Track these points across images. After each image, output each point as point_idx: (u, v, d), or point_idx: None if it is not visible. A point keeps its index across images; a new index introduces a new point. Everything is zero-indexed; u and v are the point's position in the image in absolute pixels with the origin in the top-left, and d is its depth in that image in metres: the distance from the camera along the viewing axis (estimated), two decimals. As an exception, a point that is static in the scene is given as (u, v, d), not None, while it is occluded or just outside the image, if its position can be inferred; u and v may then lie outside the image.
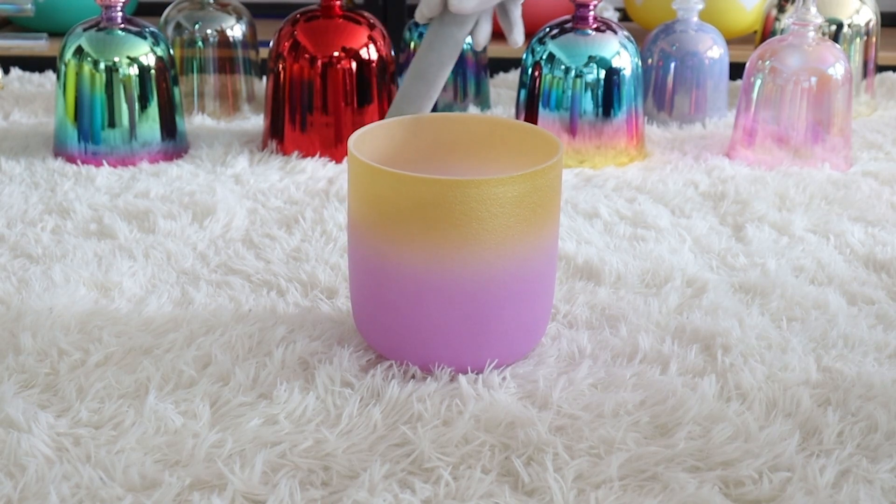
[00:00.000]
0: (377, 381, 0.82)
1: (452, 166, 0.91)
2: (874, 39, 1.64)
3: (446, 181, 0.77)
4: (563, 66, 1.35)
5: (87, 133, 1.33)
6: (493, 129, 0.91)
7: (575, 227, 1.14)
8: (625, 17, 2.02)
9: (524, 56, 1.40)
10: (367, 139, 0.87)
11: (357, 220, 0.83)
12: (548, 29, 1.39)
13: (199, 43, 1.57)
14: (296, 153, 1.37)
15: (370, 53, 1.37)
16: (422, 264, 0.79)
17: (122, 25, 1.34)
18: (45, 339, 0.87)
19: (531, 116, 1.38)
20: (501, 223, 0.78)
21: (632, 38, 1.39)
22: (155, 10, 1.85)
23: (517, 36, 0.85)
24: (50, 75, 1.79)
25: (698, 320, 0.92)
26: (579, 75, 1.35)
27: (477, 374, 0.83)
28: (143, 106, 1.34)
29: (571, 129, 1.36)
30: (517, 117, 1.42)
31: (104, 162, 1.32)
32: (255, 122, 1.55)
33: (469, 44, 1.56)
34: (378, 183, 0.79)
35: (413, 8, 2.06)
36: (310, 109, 1.37)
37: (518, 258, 0.80)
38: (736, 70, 1.62)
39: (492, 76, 1.79)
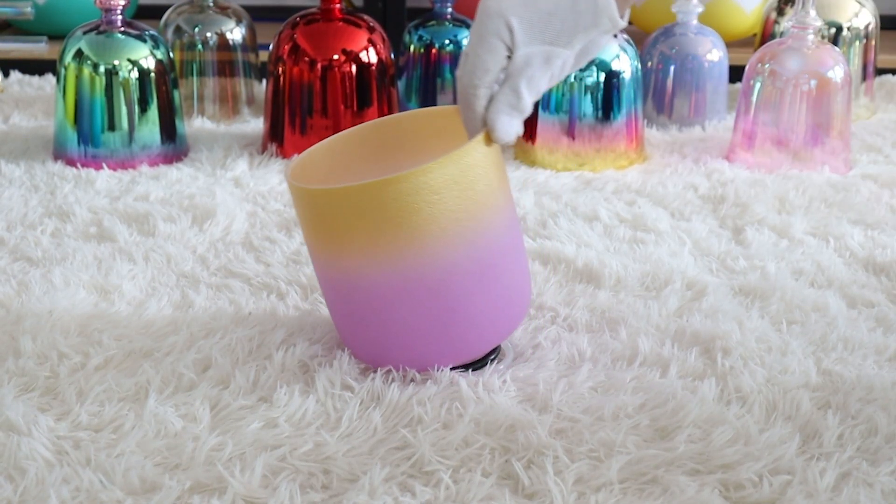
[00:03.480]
0: (377, 384, 0.82)
1: (404, 165, 0.90)
2: (873, 42, 1.64)
3: (373, 184, 0.76)
4: (562, 69, 1.35)
5: (86, 136, 1.33)
6: (431, 120, 0.89)
7: (575, 230, 1.14)
8: (624, 19, 2.02)
9: (524, 59, 1.40)
10: (308, 164, 0.87)
11: (310, 243, 0.83)
12: (547, 32, 1.39)
13: (199, 46, 1.57)
14: (295, 156, 1.37)
15: (370, 56, 1.37)
16: (378, 270, 0.79)
17: (122, 29, 1.34)
18: (45, 343, 0.87)
19: (531, 119, 1.38)
20: (440, 209, 0.77)
21: (631, 41, 1.39)
22: (155, 14, 1.85)
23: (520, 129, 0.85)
24: (50, 78, 1.79)
25: (698, 323, 0.92)
26: (579, 78, 1.35)
27: (473, 371, 0.83)
28: (143, 109, 1.34)
29: (571, 133, 1.36)
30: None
31: (104, 165, 1.33)
32: (255, 125, 1.55)
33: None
34: (315, 203, 0.80)
35: (413, 11, 2.06)
36: (309, 112, 1.37)
37: (470, 240, 0.79)
38: (735, 73, 1.62)
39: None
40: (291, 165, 0.85)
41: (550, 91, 1.36)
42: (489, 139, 0.79)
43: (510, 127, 0.78)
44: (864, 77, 1.64)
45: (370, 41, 1.38)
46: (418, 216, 0.77)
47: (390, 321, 0.81)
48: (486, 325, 0.83)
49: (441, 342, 0.82)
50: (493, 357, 0.87)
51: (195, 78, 1.58)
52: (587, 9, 0.78)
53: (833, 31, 1.61)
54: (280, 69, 1.37)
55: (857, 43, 1.62)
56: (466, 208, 0.78)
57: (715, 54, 1.55)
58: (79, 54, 1.32)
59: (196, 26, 1.57)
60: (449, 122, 0.86)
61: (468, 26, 1.56)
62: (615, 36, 0.81)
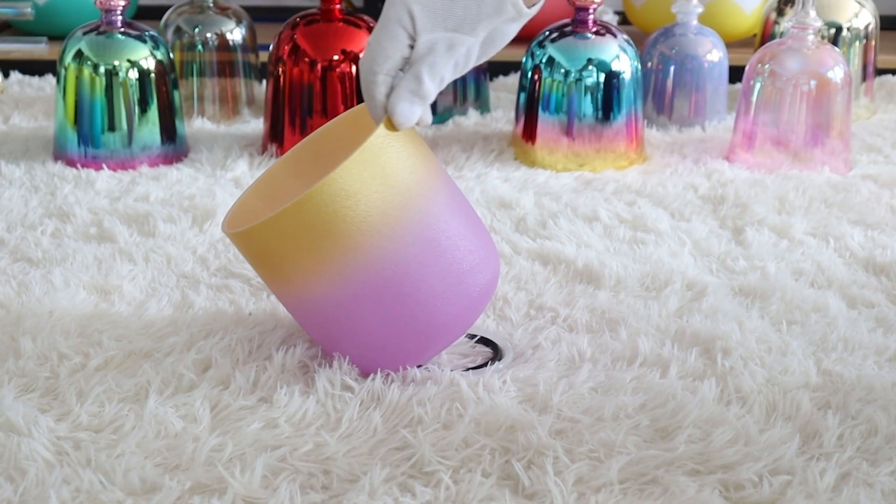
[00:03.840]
0: (377, 384, 0.82)
1: None
2: (873, 43, 1.64)
3: (289, 208, 0.76)
4: (562, 70, 1.35)
5: (86, 137, 1.33)
6: (356, 121, 0.88)
7: (575, 230, 1.14)
8: (624, 20, 2.02)
9: (524, 59, 1.40)
10: (244, 210, 0.87)
11: (264, 280, 0.84)
12: (547, 32, 1.39)
13: (199, 46, 1.57)
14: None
15: (370, 57, 1.37)
16: (329, 285, 0.79)
17: (122, 29, 1.34)
18: (45, 343, 0.87)
19: (531, 120, 1.38)
20: (365, 209, 0.77)
21: (631, 42, 1.39)
22: (155, 14, 1.85)
23: (426, 119, 0.83)
24: (50, 79, 1.79)
25: (698, 324, 0.92)
26: (579, 79, 1.35)
27: (473, 371, 0.83)
28: (143, 109, 1.34)
29: (571, 133, 1.36)
30: (517, 121, 1.42)
31: (104, 165, 1.33)
32: (255, 125, 1.55)
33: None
34: (249, 242, 0.81)
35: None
36: (309, 113, 1.37)
37: (406, 228, 0.78)
38: (735, 73, 1.62)
39: (491, 80, 1.79)
40: (227, 218, 0.85)
41: (550, 91, 1.36)
42: (391, 125, 0.79)
43: (410, 112, 0.78)
44: (864, 77, 1.64)
45: (370, 42, 1.38)
46: (344, 222, 0.77)
47: (360, 330, 0.81)
48: (455, 302, 0.82)
49: (417, 333, 0.82)
50: (493, 358, 0.88)
51: (195, 78, 1.58)
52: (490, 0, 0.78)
53: (833, 31, 1.61)
54: (280, 70, 1.37)
55: (857, 43, 1.62)
56: (392, 199, 0.78)
57: (715, 55, 1.55)
58: (79, 55, 1.32)
59: (196, 27, 1.57)
60: (367, 119, 0.85)
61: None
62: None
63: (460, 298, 0.82)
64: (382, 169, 0.78)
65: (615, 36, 1.37)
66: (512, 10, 0.79)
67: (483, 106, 1.61)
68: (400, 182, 0.78)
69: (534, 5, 0.80)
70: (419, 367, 0.85)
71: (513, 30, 0.80)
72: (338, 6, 1.38)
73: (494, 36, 0.80)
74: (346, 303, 0.80)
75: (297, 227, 0.77)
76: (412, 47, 0.79)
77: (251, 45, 1.62)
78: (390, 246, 0.78)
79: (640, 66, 1.38)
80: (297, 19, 1.39)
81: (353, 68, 1.36)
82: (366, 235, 0.77)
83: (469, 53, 0.79)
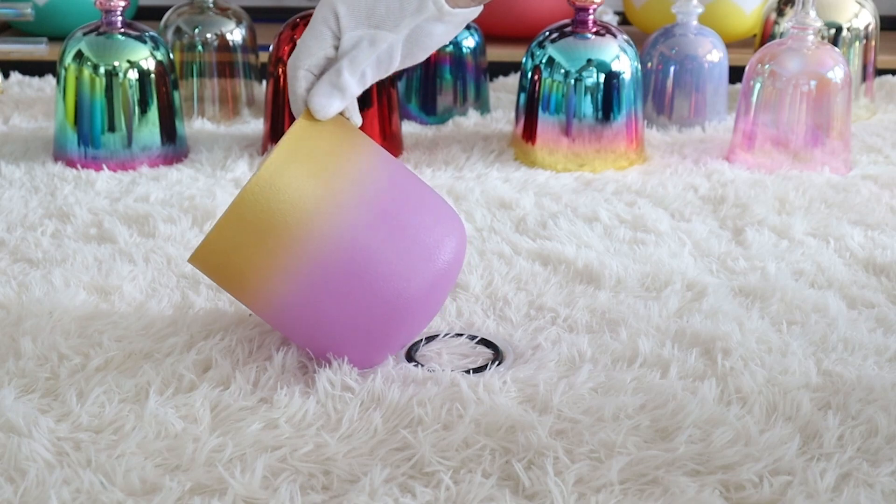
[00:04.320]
0: (377, 384, 0.82)
1: None
2: (873, 43, 1.64)
3: (224, 219, 0.78)
4: (562, 70, 1.36)
5: (86, 137, 1.33)
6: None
7: (575, 230, 1.14)
8: (624, 20, 2.02)
9: (524, 60, 1.40)
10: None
11: (238, 297, 0.84)
12: (547, 33, 1.39)
13: (199, 47, 1.57)
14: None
15: (370, 57, 1.37)
16: (287, 285, 0.79)
17: (122, 30, 1.34)
18: (46, 344, 0.87)
19: (531, 120, 1.38)
20: (300, 203, 0.78)
21: (631, 42, 1.39)
22: (155, 15, 1.85)
23: (353, 117, 0.87)
24: (50, 79, 1.79)
25: (698, 324, 0.92)
26: (579, 79, 1.35)
27: (473, 372, 0.83)
28: (143, 110, 1.34)
29: (571, 133, 1.36)
30: (517, 121, 1.42)
31: (104, 166, 1.33)
32: (255, 126, 1.55)
33: (469, 47, 1.56)
34: (206, 265, 0.81)
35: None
36: (309, 113, 1.37)
37: (342, 212, 0.79)
38: (735, 74, 1.62)
39: (491, 80, 1.79)
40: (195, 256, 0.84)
41: (550, 92, 1.36)
42: (311, 117, 0.81)
43: (327, 103, 0.81)
44: (864, 78, 1.64)
45: (370, 42, 1.38)
46: (282, 216, 0.78)
47: (329, 318, 0.81)
48: (418, 277, 0.81)
49: (384, 313, 0.81)
50: (493, 360, 0.88)
51: (195, 79, 1.58)
52: None
53: (833, 31, 1.61)
54: (280, 70, 1.37)
55: (857, 43, 1.62)
56: (322, 186, 0.79)
57: (715, 55, 1.55)
58: (79, 55, 1.32)
59: (196, 27, 1.57)
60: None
61: (468, 27, 1.56)
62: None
63: (423, 273, 0.81)
64: (307, 159, 0.80)
65: (615, 36, 1.37)
66: (433, 8, 0.81)
67: (483, 106, 1.61)
68: (327, 169, 0.80)
69: (459, 7, 0.82)
70: (418, 365, 0.85)
71: (439, 30, 0.82)
72: (338, 7, 1.38)
73: (418, 34, 0.82)
74: (308, 293, 0.80)
75: (240, 231, 0.79)
76: (337, 47, 0.82)
77: (251, 45, 1.62)
78: (331, 231, 0.79)
79: (640, 67, 1.38)
80: (297, 20, 1.39)
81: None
82: (312, 227, 0.78)
83: (392, 50, 0.82)
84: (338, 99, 0.82)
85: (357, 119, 0.86)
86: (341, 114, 0.85)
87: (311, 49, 0.82)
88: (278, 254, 0.78)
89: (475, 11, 0.84)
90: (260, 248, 0.79)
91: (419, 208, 0.83)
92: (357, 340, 0.82)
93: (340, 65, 0.82)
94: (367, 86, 0.83)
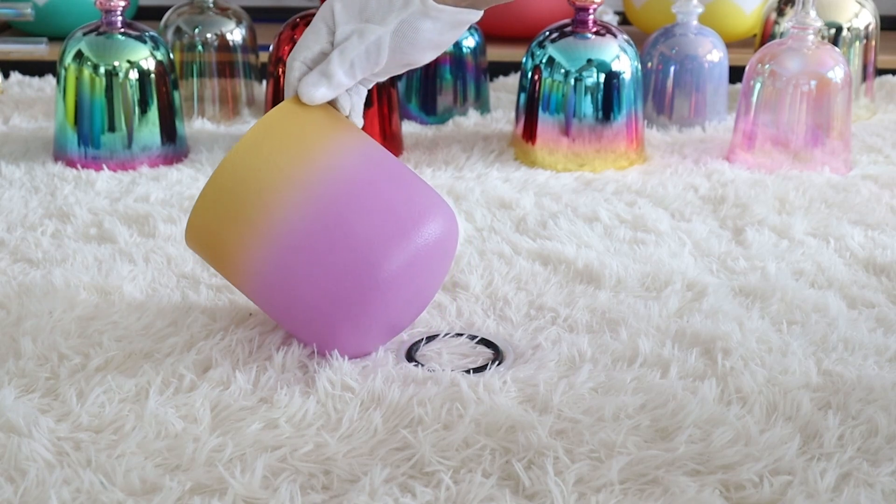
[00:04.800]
0: (378, 384, 0.82)
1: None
2: (873, 43, 1.64)
3: (208, 188, 0.82)
4: (562, 70, 1.35)
5: (87, 137, 1.33)
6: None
7: (575, 230, 1.14)
8: (624, 20, 2.02)
9: (524, 60, 1.40)
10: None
11: (225, 275, 0.86)
12: (547, 33, 1.39)
13: (199, 47, 1.57)
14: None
15: (370, 57, 1.37)
16: (266, 248, 0.81)
17: (122, 30, 1.34)
18: (46, 344, 0.87)
19: (531, 120, 1.38)
20: (270, 172, 0.82)
21: (631, 42, 1.39)
22: (155, 15, 1.85)
23: (354, 118, 0.91)
24: (50, 79, 1.79)
25: (698, 324, 0.92)
26: (579, 79, 1.35)
27: (474, 372, 0.83)
28: (143, 110, 1.34)
29: (571, 133, 1.36)
30: (517, 121, 1.42)
31: (104, 166, 1.33)
32: (255, 126, 1.55)
33: (469, 47, 1.56)
34: (196, 236, 0.85)
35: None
36: (310, 113, 1.37)
37: (318, 184, 0.81)
38: (735, 74, 1.62)
39: (491, 80, 1.79)
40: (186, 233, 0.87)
41: (550, 92, 1.36)
42: (297, 101, 0.86)
43: (314, 87, 0.85)
44: (865, 77, 1.64)
45: (370, 42, 1.38)
46: (258, 185, 0.81)
47: (311, 295, 0.81)
48: (393, 249, 0.81)
49: (364, 282, 0.81)
50: (494, 360, 0.88)
51: (195, 79, 1.58)
52: None
53: (833, 31, 1.61)
54: (280, 70, 1.37)
55: (858, 43, 1.62)
56: (302, 159, 0.82)
57: (715, 55, 1.55)
58: (79, 55, 1.32)
59: (196, 27, 1.57)
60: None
61: (468, 27, 1.56)
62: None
63: (399, 246, 0.81)
64: (285, 135, 0.83)
65: (615, 36, 1.37)
66: (419, 4, 0.85)
67: (483, 106, 1.61)
68: (304, 144, 0.83)
69: (444, 3, 0.85)
70: (419, 364, 0.85)
71: (427, 26, 0.86)
72: (338, 7, 1.38)
73: (404, 29, 0.85)
74: (287, 258, 0.81)
75: (219, 203, 0.83)
76: (333, 42, 0.87)
77: (251, 45, 1.62)
78: (304, 200, 0.81)
79: (640, 67, 1.38)
80: (297, 20, 1.39)
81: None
82: (276, 194, 0.81)
83: (380, 42, 0.86)
84: (324, 85, 0.85)
85: (359, 120, 0.90)
86: (330, 105, 0.88)
87: (308, 43, 0.87)
88: (255, 223, 0.81)
89: (470, 14, 0.86)
90: (240, 216, 0.82)
91: (397, 186, 0.84)
92: (335, 315, 0.82)
93: (332, 55, 0.86)
94: (357, 78, 0.86)
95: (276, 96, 1.38)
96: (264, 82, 1.54)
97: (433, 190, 0.88)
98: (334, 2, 0.87)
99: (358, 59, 0.86)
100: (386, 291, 0.82)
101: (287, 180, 0.81)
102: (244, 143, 0.82)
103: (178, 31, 1.58)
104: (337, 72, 0.86)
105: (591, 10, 1.36)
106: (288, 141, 0.83)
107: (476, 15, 0.87)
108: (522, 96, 1.40)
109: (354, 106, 0.90)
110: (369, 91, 0.92)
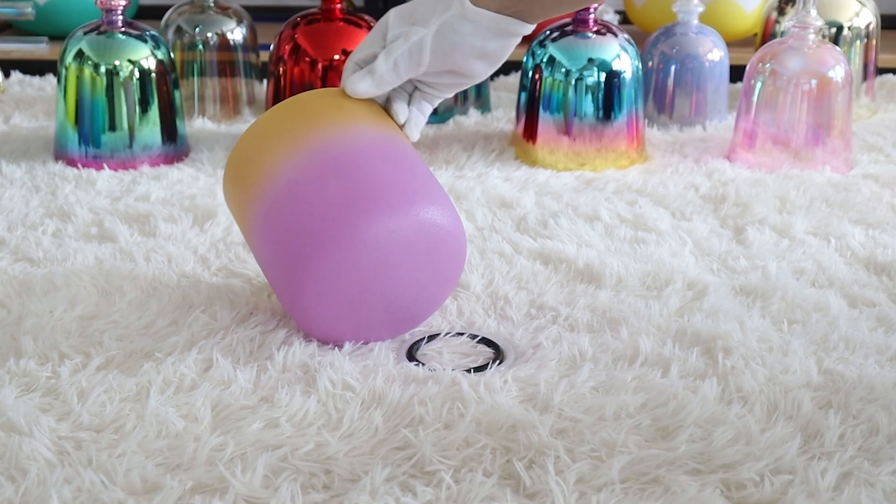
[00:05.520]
0: (378, 383, 0.82)
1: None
2: (874, 42, 1.64)
3: (268, 113, 0.92)
4: (563, 69, 1.35)
5: (87, 136, 1.33)
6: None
7: (576, 230, 1.14)
8: (625, 19, 2.02)
9: (524, 59, 1.40)
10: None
11: (240, 211, 0.92)
12: (548, 32, 1.39)
13: (200, 46, 1.57)
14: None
15: (371, 57, 1.37)
16: (294, 157, 0.87)
17: (123, 29, 1.34)
18: (47, 343, 0.87)
19: (531, 119, 1.38)
20: (319, 111, 0.90)
21: (632, 41, 1.39)
22: (155, 14, 1.85)
23: (408, 129, 0.95)
24: (50, 79, 1.79)
25: (699, 323, 0.92)
26: (579, 78, 1.35)
27: (474, 371, 0.83)
28: (144, 109, 1.34)
29: (571, 132, 1.36)
30: (517, 120, 1.42)
31: (105, 165, 1.33)
32: (256, 125, 1.55)
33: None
34: (236, 157, 0.92)
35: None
36: (310, 113, 1.37)
37: (353, 131, 0.88)
38: (736, 73, 1.62)
39: (492, 79, 1.79)
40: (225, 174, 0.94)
41: (551, 91, 1.36)
42: (342, 92, 0.93)
43: (358, 81, 0.91)
44: (865, 77, 1.64)
45: (371, 41, 1.38)
46: (305, 118, 0.90)
47: (316, 205, 0.84)
48: (397, 200, 0.85)
49: (363, 207, 0.84)
50: (494, 359, 0.88)
51: (196, 78, 1.58)
52: None
53: (834, 30, 1.61)
54: (281, 69, 1.37)
55: (858, 42, 1.62)
56: (342, 113, 0.90)
57: (716, 54, 1.55)
58: (80, 55, 1.32)
59: (197, 26, 1.57)
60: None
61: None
62: (533, 37, 0.90)
63: (386, 212, 0.84)
64: (334, 101, 0.92)
65: (616, 35, 1.37)
66: (459, 6, 0.89)
67: (484, 105, 1.61)
68: (347, 111, 0.91)
69: (480, 6, 0.88)
70: (419, 364, 0.85)
71: (466, 29, 0.89)
72: (338, 6, 1.38)
73: (444, 30, 0.89)
74: (306, 172, 0.86)
75: (273, 124, 0.91)
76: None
77: (252, 44, 1.62)
78: (339, 137, 0.87)
79: (640, 66, 1.38)
80: (298, 19, 1.39)
81: (354, 68, 1.36)
82: (322, 123, 0.89)
83: (422, 42, 0.90)
84: (368, 80, 0.91)
85: (414, 133, 0.95)
86: (379, 106, 0.94)
87: (363, 47, 0.93)
88: (296, 138, 0.88)
89: (513, 23, 0.89)
90: (284, 134, 0.89)
91: (407, 174, 0.87)
92: (311, 243, 0.84)
93: (379, 55, 0.92)
94: (402, 76, 0.91)
95: (277, 95, 1.38)
96: (265, 81, 1.54)
97: (441, 190, 0.89)
98: (391, 11, 0.93)
99: (401, 58, 0.90)
100: (360, 251, 0.83)
101: (328, 121, 0.88)
102: (304, 94, 0.93)
103: (179, 30, 1.58)
104: (381, 68, 0.90)
105: (591, 10, 1.36)
106: (334, 104, 0.91)
107: (524, 27, 0.90)
108: (523, 95, 1.40)
109: (413, 118, 0.94)
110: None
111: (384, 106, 0.95)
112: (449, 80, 0.93)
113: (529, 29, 0.90)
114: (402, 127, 0.94)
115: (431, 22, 0.89)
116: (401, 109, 0.94)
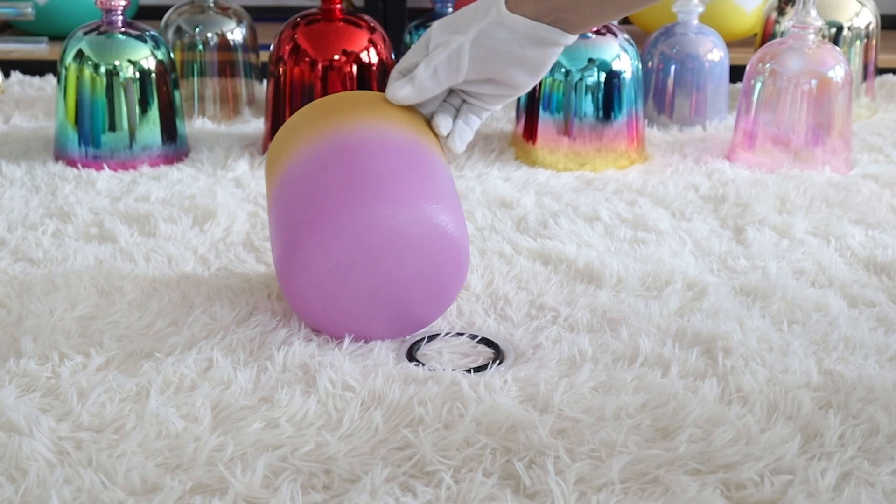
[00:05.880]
0: (378, 383, 0.82)
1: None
2: (874, 42, 1.64)
3: (311, 104, 0.97)
4: (563, 69, 1.35)
5: (87, 137, 1.33)
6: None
7: (575, 230, 1.14)
8: (625, 19, 2.02)
9: (524, 59, 1.40)
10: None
11: (272, 168, 0.96)
12: (548, 32, 1.39)
13: (200, 46, 1.57)
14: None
15: (370, 56, 1.37)
16: (319, 139, 0.91)
17: (123, 29, 1.34)
18: (47, 343, 0.87)
19: (531, 119, 1.38)
20: (352, 107, 0.94)
21: (632, 41, 1.39)
22: (155, 14, 1.85)
23: (451, 141, 0.96)
24: (50, 79, 1.79)
25: (699, 323, 0.92)
26: (580, 78, 1.35)
27: (474, 371, 0.83)
28: (144, 109, 1.34)
29: (571, 132, 1.36)
30: (517, 120, 1.42)
31: (105, 165, 1.33)
32: (256, 125, 1.55)
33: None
34: (271, 159, 0.97)
35: (414, 11, 2.06)
36: (310, 113, 1.37)
37: (376, 127, 0.91)
38: (736, 73, 1.62)
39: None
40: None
41: (551, 91, 1.36)
42: (384, 97, 0.96)
43: (398, 87, 0.94)
44: (865, 77, 1.64)
45: (371, 41, 1.38)
46: (338, 111, 0.94)
47: (333, 181, 0.87)
48: (407, 193, 0.86)
49: (372, 194, 0.85)
50: (494, 359, 0.88)
51: (196, 78, 1.58)
52: (483, 5, 0.92)
53: (834, 30, 1.61)
54: (281, 69, 1.37)
55: (858, 42, 1.62)
56: (373, 113, 0.93)
57: (716, 54, 1.55)
58: (79, 55, 1.32)
59: (197, 27, 1.57)
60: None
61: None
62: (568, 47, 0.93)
63: (392, 195, 0.85)
64: (374, 102, 0.95)
65: (616, 35, 1.37)
66: (496, 12, 0.90)
67: (484, 105, 1.61)
68: (382, 112, 0.93)
69: (517, 13, 0.89)
70: (419, 364, 0.85)
71: (503, 36, 0.90)
72: (338, 6, 1.38)
73: (482, 37, 0.90)
74: (319, 155, 0.89)
75: (312, 112, 0.95)
76: None
77: (252, 44, 1.62)
78: (362, 130, 0.91)
79: (640, 66, 1.38)
80: (298, 19, 1.39)
81: (354, 68, 1.36)
82: (353, 117, 0.92)
83: (460, 49, 0.91)
84: (409, 87, 0.93)
85: (458, 146, 0.96)
86: (419, 113, 0.96)
87: (408, 56, 0.95)
88: (328, 122, 0.92)
89: (551, 32, 0.89)
90: (320, 118, 0.94)
91: (419, 176, 0.88)
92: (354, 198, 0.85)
93: (420, 63, 0.94)
94: (442, 84, 0.93)
95: (277, 95, 1.38)
96: (265, 82, 1.54)
97: (456, 200, 0.91)
98: (435, 23, 0.95)
99: (441, 65, 0.92)
100: (340, 234, 0.84)
101: (355, 116, 0.92)
102: (345, 93, 0.98)
103: (179, 30, 1.58)
104: (421, 75, 0.92)
105: (591, 10, 1.36)
106: (370, 104, 0.94)
107: (564, 37, 0.90)
108: (523, 96, 1.40)
109: (458, 130, 0.96)
110: (370, 90, 0.94)
111: (428, 119, 0.97)
112: (492, 90, 0.93)
113: (571, 39, 0.90)
114: (445, 140, 0.95)
115: (470, 29, 0.91)
116: (443, 122, 0.95)
